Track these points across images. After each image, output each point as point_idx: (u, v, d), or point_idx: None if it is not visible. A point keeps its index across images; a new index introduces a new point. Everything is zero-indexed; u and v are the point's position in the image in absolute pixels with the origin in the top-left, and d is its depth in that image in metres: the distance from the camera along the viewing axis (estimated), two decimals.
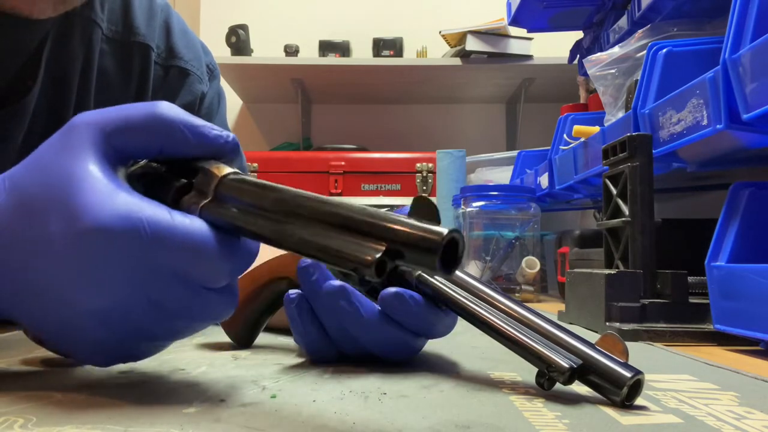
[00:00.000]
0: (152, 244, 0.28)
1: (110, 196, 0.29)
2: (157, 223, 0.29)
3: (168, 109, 0.32)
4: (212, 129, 0.33)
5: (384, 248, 0.24)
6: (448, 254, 0.24)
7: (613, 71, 0.91)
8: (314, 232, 0.27)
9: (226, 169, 0.32)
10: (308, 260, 0.39)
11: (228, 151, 0.33)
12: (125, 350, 0.32)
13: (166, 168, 0.33)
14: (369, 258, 0.24)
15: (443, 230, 0.23)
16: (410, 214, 0.26)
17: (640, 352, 0.50)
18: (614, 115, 0.91)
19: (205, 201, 0.31)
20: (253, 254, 0.32)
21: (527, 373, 0.37)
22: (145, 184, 0.32)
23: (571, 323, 0.68)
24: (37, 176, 0.30)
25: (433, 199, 1.73)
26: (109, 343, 0.31)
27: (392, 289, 0.37)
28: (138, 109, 0.32)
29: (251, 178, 0.31)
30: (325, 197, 0.28)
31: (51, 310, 0.30)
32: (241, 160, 0.74)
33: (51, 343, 0.33)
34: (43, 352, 0.43)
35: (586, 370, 0.32)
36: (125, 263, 0.28)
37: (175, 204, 0.31)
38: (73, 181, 0.29)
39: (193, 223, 0.30)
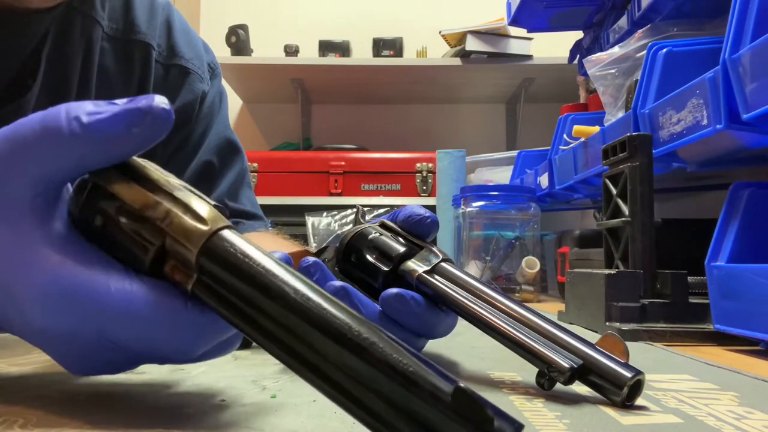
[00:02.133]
0: (92, 317, 0.25)
1: (51, 278, 0.25)
2: (101, 308, 0.25)
3: (65, 114, 0.25)
4: (123, 113, 0.26)
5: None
6: None
7: (613, 71, 0.91)
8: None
9: (196, 232, 0.25)
10: (310, 260, 0.39)
11: (158, 131, 0.26)
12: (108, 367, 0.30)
13: (128, 223, 0.26)
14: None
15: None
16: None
17: (640, 352, 0.50)
18: (614, 115, 0.91)
19: (192, 282, 0.25)
20: (232, 345, 0.28)
21: (527, 373, 0.37)
22: (112, 241, 0.26)
23: (571, 323, 0.68)
24: None
25: (433, 200, 1.73)
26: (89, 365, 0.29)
27: (393, 290, 0.37)
28: (32, 127, 0.26)
29: (239, 247, 0.24)
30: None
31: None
32: (242, 161, 0.74)
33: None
34: (42, 354, 0.43)
35: (586, 371, 0.32)
36: (73, 334, 0.26)
37: (156, 274, 0.26)
38: (8, 260, 0.25)
39: (134, 294, 0.25)
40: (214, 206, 0.26)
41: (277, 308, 0.23)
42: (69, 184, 0.28)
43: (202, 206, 0.26)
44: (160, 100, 0.26)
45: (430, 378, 0.20)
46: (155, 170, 0.27)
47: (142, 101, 0.26)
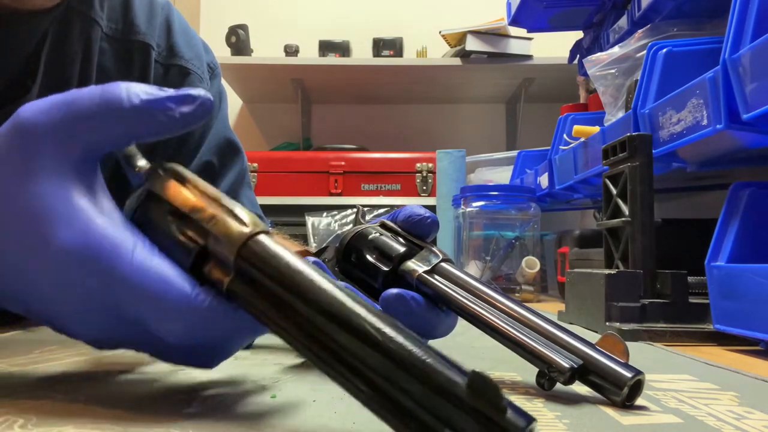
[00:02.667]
0: (111, 284, 0.27)
1: (84, 227, 0.27)
2: (114, 263, 0.26)
3: (125, 90, 0.28)
4: (178, 98, 0.29)
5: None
6: None
7: (613, 71, 0.91)
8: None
9: (238, 234, 0.27)
10: (309, 260, 0.39)
11: (199, 119, 0.30)
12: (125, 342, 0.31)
13: (177, 223, 0.28)
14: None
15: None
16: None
17: (640, 352, 0.50)
18: (614, 115, 0.91)
19: (229, 280, 0.27)
20: (254, 333, 0.29)
21: (527, 373, 0.37)
22: (160, 240, 0.28)
23: (571, 323, 0.68)
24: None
25: (433, 200, 1.73)
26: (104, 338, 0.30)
27: (393, 290, 0.37)
28: (91, 98, 0.28)
29: (275, 251, 0.26)
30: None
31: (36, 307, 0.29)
32: (242, 161, 0.73)
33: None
34: (43, 354, 0.43)
35: (586, 371, 0.32)
36: (91, 297, 0.27)
37: (198, 269, 0.28)
38: (43, 211, 0.27)
39: (152, 267, 0.27)
40: (255, 214, 0.28)
41: (306, 308, 0.24)
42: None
43: (244, 213, 0.28)
44: (206, 92, 0.30)
45: (446, 370, 0.22)
46: (203, 182, 0.30)
47: (191, 89, 0.29)
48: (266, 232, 0.27)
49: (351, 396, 0.23)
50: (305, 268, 0.25)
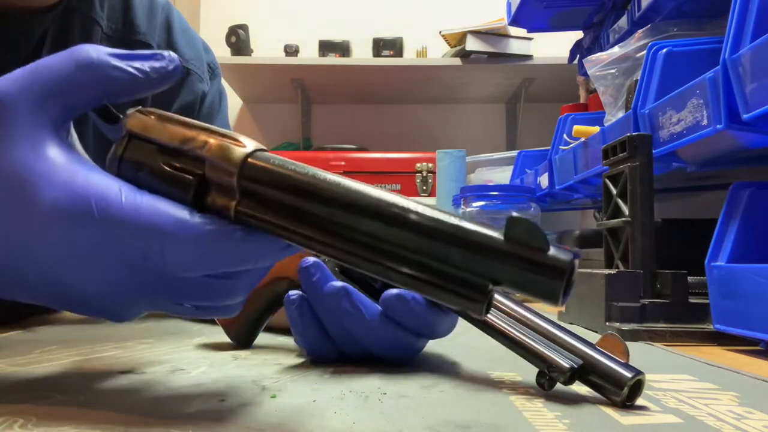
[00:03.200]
0: (107, 231, 0.26)
1: (67, 180, 0.27)
2: (106, 210, 0.26)
3: (93, 50, 0.29)
4: (146, 56, 0.30)
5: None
6: None
7: (613, 71, 0.91)
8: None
9: (235, 155, 0.26)
10: (310, 260, 0.39)
11: (170, 75, 0.30)
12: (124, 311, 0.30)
13: (168, 160, 0.27)
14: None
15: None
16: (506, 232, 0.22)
17: (640, 352, 0.50)
18: (614, 115, 0.91)
19: (235, 203, 0.26)
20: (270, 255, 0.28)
21: (527, 373, 0.37)
22: (154, 184, 0.28)
23: (571, 323, 0.68)
24: None
25: (433, 200, 1.73)
26: (105, 307, 0.29)
27: (394, 291, 0.37)
28: (60, 61, 0.29)
29: (278, 160, 0.26)
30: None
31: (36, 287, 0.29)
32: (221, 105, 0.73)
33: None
34: (43, 354, 0.43)
35: (586, 371, 0.32)
36: (90, 247, 0.27)
37: (200, 203, 0.27)
38: (23, 173, 0.27)
39: (144, 204, 0.26)
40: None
41: (321, 206, 0.24)
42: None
43: (238, 134, 0.27)
44: (175, 55, 0.30)
45: (480, 228, 0.22)
46: (187, 118, 0.29)
47: (160, 53, 0.30)
48: (263, 149, 0.26)
49: (394, 281, 0.23)
50: (313, 169, 0.25)
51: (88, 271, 0.27)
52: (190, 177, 0.26)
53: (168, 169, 0.27)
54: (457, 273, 0.22)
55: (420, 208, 0.23)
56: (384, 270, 0.23)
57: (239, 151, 0.26)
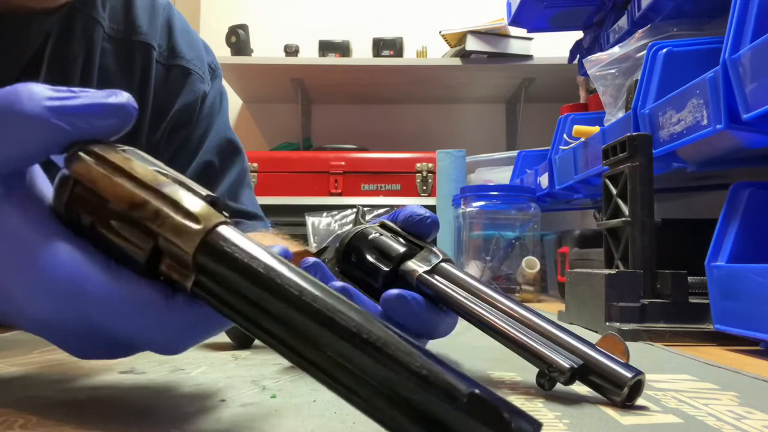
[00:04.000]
0: (98, 316, 0.25)
1: (32, 260, 0.25)
2: (75, 289, 0.25)
3: (26, 96, 0.25)
4: (93, 105, 0.26)
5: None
6: None
7: (613, 71, 0.91)
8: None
9: (193, 227, 0.24)
10: (310, 260, 0.39)
11: (121, 125, 0.26)
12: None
13: (117, 224, 0.25)
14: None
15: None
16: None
17: (640, 352, 0.50)
18: (614, 115, 0.91)
19: (191, 282, 0.24)
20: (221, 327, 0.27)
21: (527, 373, 0.37)
22: (103, 240, 0.25)
23: (571, 323, 0.68)
24: None
25: (433, 200, 1.73)
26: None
27: (394, 291, 0.37)
28: None
29: (237, 246, 0.23)
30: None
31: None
32: (243, 161, 0.73)
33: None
34: (43, 354, 0.43)
35: (586, 371, 0.32)
36: (63, 324, 0.26)
37: (154, 273, 0.25)
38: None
39: (113, 290, 0.25)
40: (207, 197, 0.25)
41: (283, 307, 0.22)
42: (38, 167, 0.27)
43: (194, 202, 0.24)
44: (128, 96, 0.26)
45: (445, 378, 0.19)
46: (139, 162, 0.26)
47: (112, 93, 0.26)
48: (224, 222, 0.24)
49: (350, 402, 0.21)
50: (275, 261, 0.23)
51: (64, 339, 0.27)
52: (141, 250, 0.24)
53: (118, 235, 0.25)
54: (402, 414, 0.20)
55: (390, 336, 0.21)
56: (343, 390, 0.21)
57: (194, 230, 0.23)
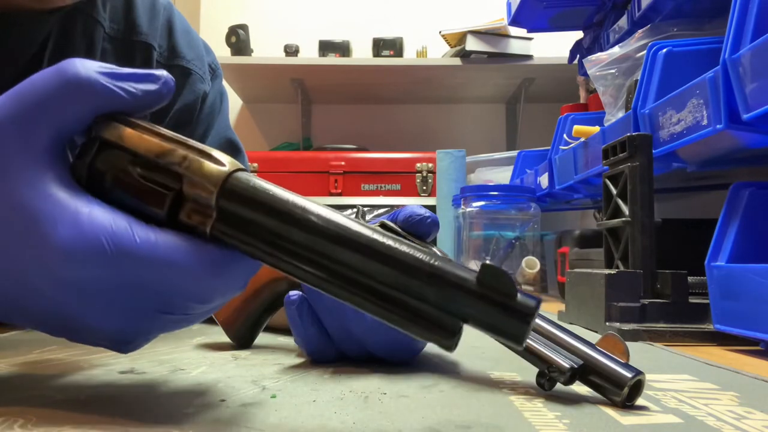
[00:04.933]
0: (120, 265, 0.26)
1: (73, 218, 0.26)
2: (119, 243, 0.25)
3: (81, 67, 0.27)
4: (139, 76, 0.28)
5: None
6: None
7: (613, 71, 0.91)
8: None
9: (215, 173, 0.25)
10: None
11: (165, 94, 0.29)
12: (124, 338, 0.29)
13: (143, 173, 0.26)
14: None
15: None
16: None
17: (640, 352, 0.50)
18: (614, 115, 0.91)
19: (211, 222, 0.25)
20: (253, 270, 0.28)
21: (527, 373, 0.37)
22: (124, 196, 0.27)
23: (571, 323, 0.68)
24: None
25: (433, 200, 1.73)
26: (106, 336, 0.29)
27: None
28: (45, 81, 0.27)
29: (258, 183, 0.25)
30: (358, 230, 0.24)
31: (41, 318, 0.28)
32: (244, 161, 0.73)
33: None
34: (43, 354, 0.43)
35: (586, 371, 0.32)
36: (103, 285, 0.26)
37: (173, 224, 0.26)
38: (25, 212, 0.26)
39: (158, 239, 0.26)
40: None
41: (303, 234, 0.24)
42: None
43: (218, 153, 0.26)
44: (167, 73, 0.29)
45: (456, 270, 0.23)
46: (165, 129, 0.28)
47: (153, 70, 0.29)
48: (244, 170, 0.26)
49: (368, 311, 0.24)
50: (294, 196, 0.25)
51: (98, 307, 0.27)
52: (165, 192, 0.26)
53: (142, 181, 0.26)
54: (431, 310, 0.23)
55: (399, 245, 0.24)
56: (360, 300, 0.24)
57: (219, 170, 0.25)
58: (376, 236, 0.24)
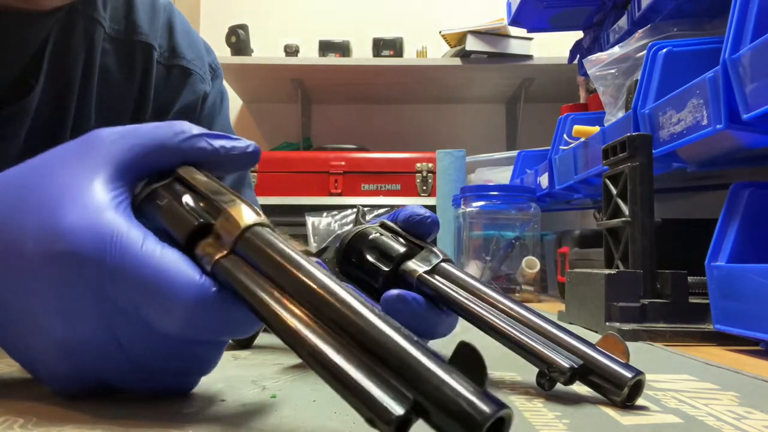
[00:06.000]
0: (114, 273, 0.26)
1: (96, 215, 0.27)
2: (123, 250, 0.26)
3: (187, 124, 0.32)
4: (233, 138, 0.32)
5: (410, 402, 0.20)
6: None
7: (613, 71, 0.91)
8: (335, 347, 0.22)
9: (251, 218, 0.27)
10: (311, 260, 0.39)
11: (249, 160, 0.33)
12: (90, 387, 0.30)
13: (190, 200, 0.29)
14: (391, 413, 0.20)
15: (487, 409, 0.19)
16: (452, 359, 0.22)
17: (640, 352, 0.50)
18: (614, 115, 0.91)
19: (221, 255, 0.27)
20: (251, 326, 0.28)
21: (527, 373, 0.37)
22: (166, 212, 0.29)
23: (571, 323, 0.69)
24: (31, 181, 0.29)
25: (433, 200, 1.72)
26: (73, 379, 0.29)
27: (394, 291, 0.37)
28: (162, 127, 0.31)
29: (279, 240, 0.27)
30: (366, 303, 0.24)
31: (21, 336, 0.28)
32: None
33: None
34: None
35: (586, 371, 0.32)
36: (93, 290, 0.26)
37: (190, 246, 0.27)
38: (66, 193, 0.27)
39: (163, 258, 0.26)
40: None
41: (296, 280, 0.25)
42: None
43: (260, 210, 0.29)
44: (256, 145, 0.33)
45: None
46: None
47: (243, 141, 0.33)
48: (269, 227, 0.28)
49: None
50: (305, 261, 0.26)
51: (75, 314, 0.27)
52: (199, 218, 0.28)
53: (186, 205, 0.29)
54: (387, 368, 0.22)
55: (383, 323, 0.23)
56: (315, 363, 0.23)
57: (254, 217, 0.27)
58: (364, 309, 0.23)
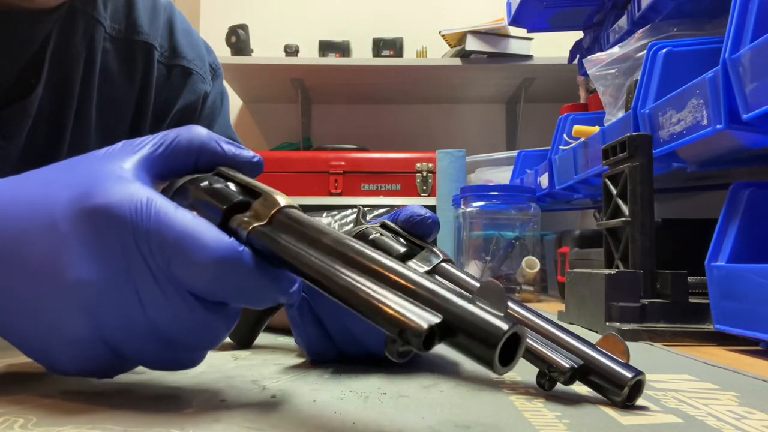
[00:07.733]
0: (149, 232, 0.27)
1: (131, 183, 0.29)
2: (158, 212, 0.28)
3: (204, 131, 0.34)
4: (241, 147, 0.35)
5: (439, 320, 0.23)
6: (506, 348, 0.22)
7: (613, 71, 0.91)
8: (366, 283, 0.25)
9: (286, 200, 0.31)
10: None
11: (252, 169, 0.34)
12: (101, 358, 0.30)
13: (231, 185, 0.32)
14: (420, 325, 0.22)
15: (504, 325, 0.22)
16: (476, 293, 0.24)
17: (640, 352, 0.50)
18: (614, 115, 0.91)
19: (258, 224, 0.29)
20: (273, 294, 0.30)
21: (527, 373, 0.37)
22: (205, 191, 0.31)
23: (571, 323, 0.69)
24: (58, 167, 0.31)
25: (433, 200, 1.73)
26: (87, 344, 0.29)
27: None
28: (179, 134, 0.33)
29: (309, 217, 0.30)
30: (387, 258, 0.27)
31: (32, 313, 0.29)
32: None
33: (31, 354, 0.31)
34: None
35: (586, 371, 0.32)
36: (123, 247, 0.28)
37: (226, 218, 0.30)
38: (99, 170, 0.30)
39: (195, 220, 0.28)
40: None
41: (329, 239, 0.28)
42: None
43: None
44: (261, 157, 0.35)
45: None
46: None
47: (248, 150, 0.35)
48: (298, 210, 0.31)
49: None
50: (332, 230, 0.29)
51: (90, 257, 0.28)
52: (239, 196, 0.31)
53: (218, 186, 0.31)
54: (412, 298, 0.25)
55: (409, 271, 0.26)
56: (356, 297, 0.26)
57: (287, 201, 0.30)
58: (395, 263, 0.26)
